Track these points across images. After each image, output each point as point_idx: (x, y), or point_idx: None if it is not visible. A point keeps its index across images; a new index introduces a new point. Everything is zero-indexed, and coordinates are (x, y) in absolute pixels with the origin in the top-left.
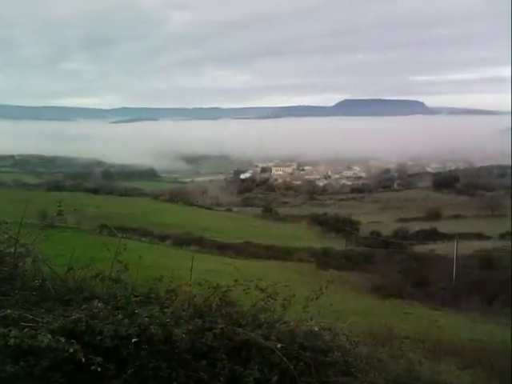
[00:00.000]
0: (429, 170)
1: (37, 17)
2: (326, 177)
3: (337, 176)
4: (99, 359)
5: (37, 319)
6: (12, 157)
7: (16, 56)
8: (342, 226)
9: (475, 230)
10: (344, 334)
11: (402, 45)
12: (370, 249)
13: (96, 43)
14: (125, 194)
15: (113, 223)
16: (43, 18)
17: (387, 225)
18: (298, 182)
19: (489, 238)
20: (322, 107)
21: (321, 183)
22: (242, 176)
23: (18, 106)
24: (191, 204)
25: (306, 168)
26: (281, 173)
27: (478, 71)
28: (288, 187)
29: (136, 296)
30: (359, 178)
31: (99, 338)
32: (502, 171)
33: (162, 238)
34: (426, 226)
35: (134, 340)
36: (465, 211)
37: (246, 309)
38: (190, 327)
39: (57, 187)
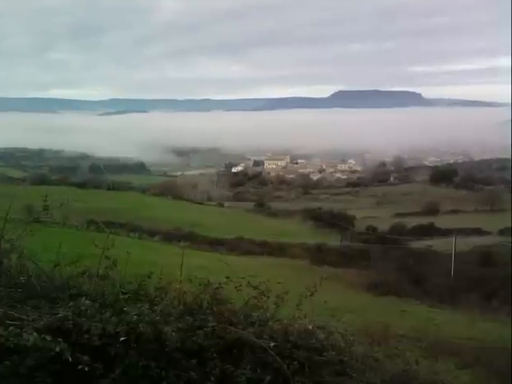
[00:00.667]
0: (426, 163)
1: (22, 5)
2: (321, 170)
3: (331, 170)
4: (86, 358)
5: (22, 317)
6: None
7: (0, 46)
8: (337, 222)
9: (474, 225)
10: (339, 333)
11: (399, 34)
12: (365, 245)
13: (83, 32)
14: (113, 188)
15: (100, 218)
16: (28, 5)
17: (383, 220)
18: (292, 176)
19: (488, 233)
20: (316, 99)
21: (315, 177)
22: (234, 169)
23: (2, 97)
24: (181, 198)
25: (299, 161)
26: (274, 166)
27: (478, 61)
28: (281, 181)
29: (124, 293)
30: (354, 171)
31: (86, 336)
32: (502, 164)
33: (152, 234)
34: (424, 221)
35: (122, 338)
36: (463, 206)
37: (237, 306)
38: (180, 325)
39: (42, 181)
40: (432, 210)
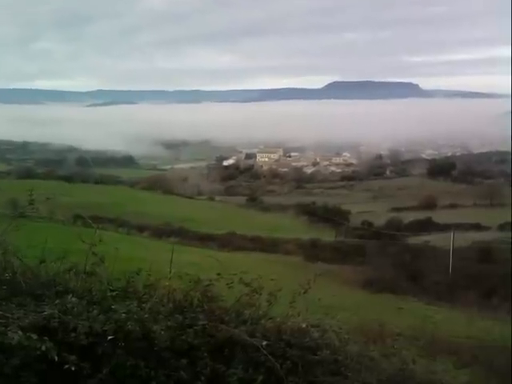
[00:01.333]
0: (423, 156)
1: None
2: (315, 164)
3: (326, 163)
4: (73, 358)
5: (7, 315)
6: None
7: None
8: (331, 216)
9: (473, 220)
10: (333, 331)
11: (395, 23)
12: (361, 240)
13: (69, 21)
14: (100, 181)
15: (88, 213)
16: None
17: (379, 215)
18: (285, 170)
19: (487, 228)
20: (309, 90)
21: (309, 170)
22: (225, 163)
23: None
24: (171, 193)
25: (293, 154)
26: (266, 159)
27: (476, 51)
28: (274, 175)
29: (112, 290)
30: (349, 164)
31: (73, 335)
32: (502, 157)
33: (140, 229)
34: (421, 215)
35: (110, 337)
36: (462, 200)
37: (229, 304)
38: (170, 324)
39: (28, 175)
40: (429, 205)
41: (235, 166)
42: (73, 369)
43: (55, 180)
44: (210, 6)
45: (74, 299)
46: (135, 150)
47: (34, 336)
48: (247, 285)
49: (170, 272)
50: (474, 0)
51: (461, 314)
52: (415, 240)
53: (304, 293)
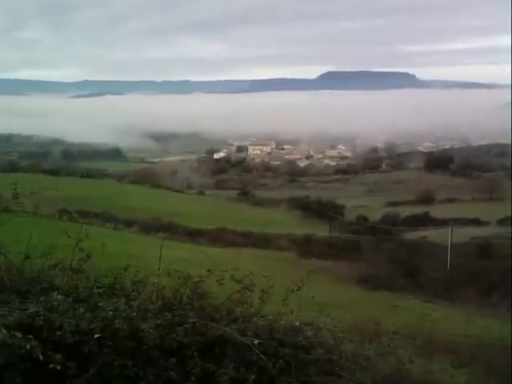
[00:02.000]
0: (421, 149)
1: None
2: (308, 156)
3: (319, 156)
4: (59, 357)
5: None
6: None
7: None
8: (326, 211)
9: (471, 214)
10: (327, 329)
11: (391, 11)
12: (356, 236)
13: (55, 9)
14: (87, 175)
15: (74, 207)
16: None
17: (375, 209)
18: (277, 163)
19: (486, 223)
20: (303, 80)
21: (302, 163)
22: (216, 156)
23: None
24: (160, 186)
25: (285, 147)
26: (258, 152)
27: (475, 40)
28: (266, 168)
29: (99, 287)
30: (344, 157)
31: (59, 333)
32: (501, 150)
33: (128, 224)
34: (418, 210)
35: (96, 336)
36: (460, 194)
37: (219, 302)
38: (159, 322)
39: (12, 168)
40: (427, 199)
41: (226, 159)
42: (58, 368)
43: (40, 173)
44: None
45: (59, 296)
46: (122, 143)
47: (19, 334)
48: (238, 282)
49: (159, 268)
50: None
51: (459, 311)
52: (412, 235)
53: (297, 290)
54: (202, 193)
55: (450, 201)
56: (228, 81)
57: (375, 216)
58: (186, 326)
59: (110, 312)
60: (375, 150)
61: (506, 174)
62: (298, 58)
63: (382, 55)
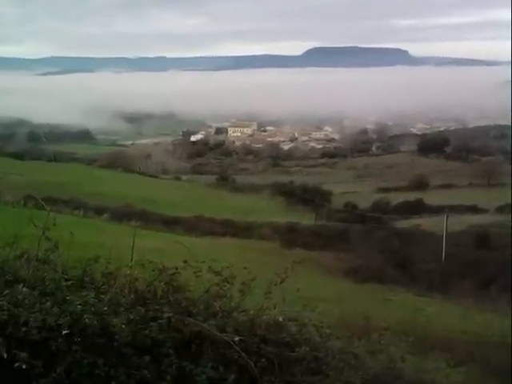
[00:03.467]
0: (414, 130)
1: None
2: (292, 139)
3: (305, 138)
4: (24, 355)
5: None
6: None
7: None
8: (311, 197)
9: (468, 201)
10: (313, 325)
11: None
12: (344, 224)
13: None
14: (54, 159)
15: (40, 194)
16: None
17: (364, 196)
18: (259, 146)
19: (484, 211)
20: (287, 57)
21: (286, 147)
22: (193, 138)
23: None
24: (133, 171)
25: (268, 129)
26: (239, 134)
27: (473, 14)
28: (247, 151)
29: (67, 280)
30: (331, 140)
31: (24, 329)
32: (501, 132)
33: (99, 212)
34: (411, 197)
35: (64, 332)
36: (456, 180)
37: (197, 295)
38: (131, 317)
39: None
40: (420, 185)
41: (204, 142)
42: (24, 367)
43: (4, 157)
44: None
45: (24, 289)
46: (93, 124)
47: None
48: (217, 273)
49: (132, 259)
50: None
51: (455, 306)
52: (404, 224)
53: (281, 283)
54: (178, 178)
55: (446, 186)
56: (207, 57)
57: (365, 203)
58: (160, 321)
59: (79, 306)
60: (365, 131)
61: (505, 157)
62: (281, 32)
63: (372, 30)
